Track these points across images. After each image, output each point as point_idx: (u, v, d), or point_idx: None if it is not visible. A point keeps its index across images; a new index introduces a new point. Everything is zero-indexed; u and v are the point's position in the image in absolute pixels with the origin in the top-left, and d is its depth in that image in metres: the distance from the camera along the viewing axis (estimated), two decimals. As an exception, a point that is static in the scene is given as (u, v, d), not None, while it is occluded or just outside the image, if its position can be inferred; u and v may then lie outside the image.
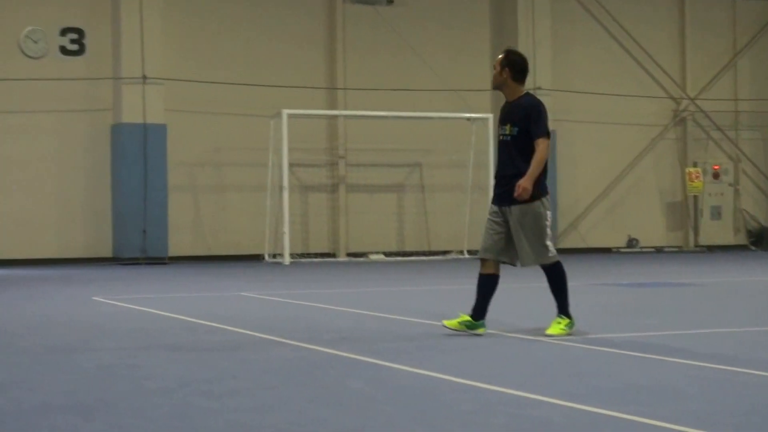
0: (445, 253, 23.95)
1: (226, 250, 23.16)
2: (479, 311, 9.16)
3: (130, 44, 21.90)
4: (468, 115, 23.56)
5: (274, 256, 22.43)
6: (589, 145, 26.46)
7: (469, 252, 23.73)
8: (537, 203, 9.00)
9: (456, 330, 9.12)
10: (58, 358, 8.07)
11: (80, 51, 22.21)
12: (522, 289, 13.89)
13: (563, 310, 9.11)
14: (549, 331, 9.06)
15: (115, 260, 21.99)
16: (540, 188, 9.02)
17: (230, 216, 23.29)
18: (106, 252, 22.29)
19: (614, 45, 26.70)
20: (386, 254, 23.67)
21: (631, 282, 15.80)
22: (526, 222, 9.01)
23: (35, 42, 21.91)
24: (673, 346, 8.49)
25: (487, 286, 9.18)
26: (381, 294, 14.37)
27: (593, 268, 19.78)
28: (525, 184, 8.88)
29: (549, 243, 9.01)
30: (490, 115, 23.57)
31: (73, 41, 22.17)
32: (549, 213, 9.06)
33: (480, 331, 9.11)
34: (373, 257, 23.36)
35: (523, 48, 24.73)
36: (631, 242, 26.75)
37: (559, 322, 9.10)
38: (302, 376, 7.13)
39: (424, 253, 24.00)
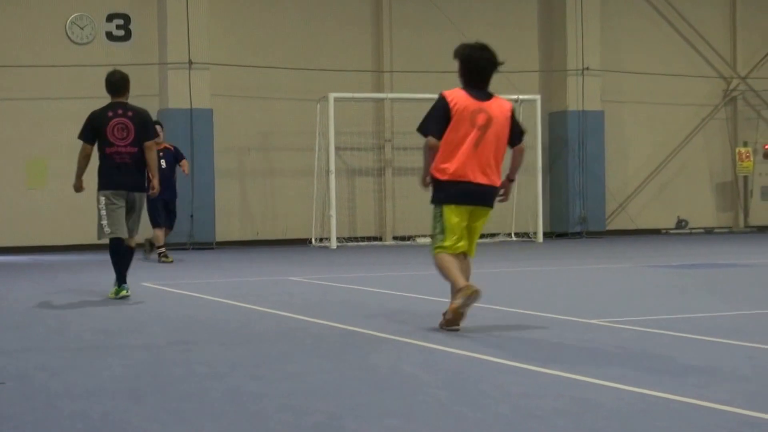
0: (492, 236, 23.87)
1: (274, 235, 23.20)
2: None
3: (176, 29, 21.92)
4: (515, 96, 23.38)
5: (321, 240, 22.46)
6: (638, 126, 26.26)
7: (517, 234, 23.65)
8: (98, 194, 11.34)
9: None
10: (109, 343, 8.13)
11: (126, 37, 22.29)
12: (577, 271, 13.79)
13: (117, 278, 11.36)
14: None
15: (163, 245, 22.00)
16: (100, 181, 11.33)
17: (277, 200, 23.31)
18: (155, 237, 22.34)
19: (663, 23, 26.44)
20: (433, 237, 23.59)
21: (681, 263, 15.68)
22: None
23: (81, 28, 22.01)
24: (725, 327, 8.44)
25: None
26: (428, 277, 14.31)
27: (643, 250, 19.68)
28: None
29: (105, 224, 11.31)
30: (538, 96, 23.50)
31: (119, 27, 22.25)
32: (103, 199, 11.28)
33: (123, 293, 11.22)
34: (420, 240, 23.30)
35: (570, 27, 24.63)
36: (681, 223, 26.55)
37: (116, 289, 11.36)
38: (353, 360, 7.14)
39: (471, 236, 23.87)
